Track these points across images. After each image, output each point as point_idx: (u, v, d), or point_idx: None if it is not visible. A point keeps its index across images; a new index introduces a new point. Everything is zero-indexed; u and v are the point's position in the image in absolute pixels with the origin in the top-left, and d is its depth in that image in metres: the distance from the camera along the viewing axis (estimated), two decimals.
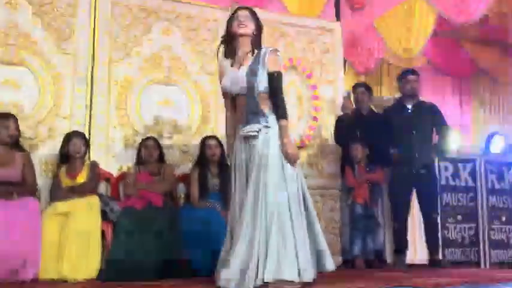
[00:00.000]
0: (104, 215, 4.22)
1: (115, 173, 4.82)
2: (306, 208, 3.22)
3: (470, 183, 5.93)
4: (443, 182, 5.74)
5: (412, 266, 5.17)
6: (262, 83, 3.21)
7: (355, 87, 5.62)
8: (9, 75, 4.60)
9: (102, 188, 4.70)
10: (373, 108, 5.68)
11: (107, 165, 4.80)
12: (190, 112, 5.23)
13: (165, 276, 3.87)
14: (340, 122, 5.49)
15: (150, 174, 4.60)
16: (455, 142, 6.77)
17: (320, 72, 5.83)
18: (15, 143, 4.22)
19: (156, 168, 4.65)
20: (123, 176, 4.76)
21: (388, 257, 5.34)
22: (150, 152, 4.65)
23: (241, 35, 3.26)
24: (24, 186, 4.12)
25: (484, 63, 8.25)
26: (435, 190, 5.18)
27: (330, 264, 3.22)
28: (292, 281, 2.93)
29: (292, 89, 5.64)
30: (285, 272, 2.93)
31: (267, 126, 3.17)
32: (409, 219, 5.12)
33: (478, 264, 5.73)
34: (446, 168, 5.84)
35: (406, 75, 5.18)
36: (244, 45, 3.28)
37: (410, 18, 5.82)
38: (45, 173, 4.59)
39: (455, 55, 8.08)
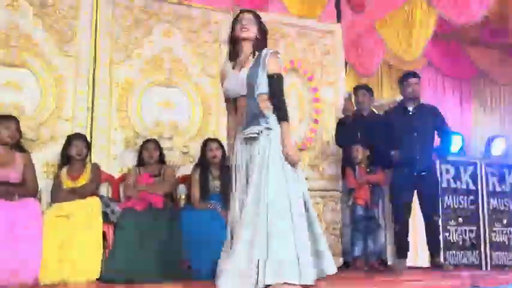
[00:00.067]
0: (105, 217, 4.22)
1: (116, 174, 4.84)
2: (307, 209, 3.22)
3: (471, 185, 5.93)
4: (444, 184, 5.74)
5: (413, 269, 5.17)
6: (262, 85, 3.20)
7: (356, 89, 5.62)
8: (11, 77, 4.61)
9: (103, 189, 4.71)
10: (374, 110, 5.68)
11: (108, 167, 4.81)
12: (191, 114, 5.24)
13: (165, 278, 3.87)
14: (341, 124, 5.49)
15: (151, 176, 4.60)
16: (456, 144, 6.77)
17: (321, 74, 5.84)
18: (16, 144, 4.22)
19: (156, 169, 4.66)
20: (124, 178, 4.77)
21: (389, 259, 5.34)
22: (150, 154, 4.66)
23: (244, 39, 3.26)
24: (25, 188, 4.12)
25: (484, 65, 8.25)
26: (436, 192, 5.17)
27: (331, 267, 3.21)
28: (293, 283, 2.93)
29: (293, 91, 5.65)
30: (286, 274, 2.91)
31: (267, 128, 3.17)
32: (410, 221, 5.11)
33: (479, 266, 5.72)
34: (447, 171, 5.85)
35: (407, 77, 5.18)
36: (246, 48, 3.28)
37: (411, 20, 5.81)
38: (46, 174, 4.60)
39: (456, 57, 8.08)
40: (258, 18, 3.32)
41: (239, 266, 2.97)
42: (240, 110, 3.28)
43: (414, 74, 5.23)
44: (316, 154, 5.68)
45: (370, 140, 5.13)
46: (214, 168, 4.69)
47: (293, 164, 3.17)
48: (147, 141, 4.76)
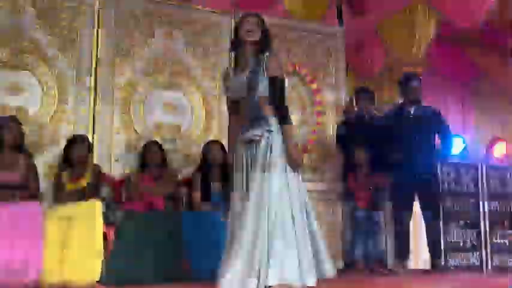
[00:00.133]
0: (106, 219, 4.22)
1: (118, 176, 4.84)
2: (306, 212, 3.22)
3: (472, 188, 5.92)
4: (445, 186, 5.73)
5: (413, 271, 5.17)
6: (263, 88, 3.21)
7: (357, 91, 5.62)
8: (13, 79, 4.63)
9: (105, 191, 4.71)
10: (375, 113, 5.68)
11: (109, 169, 4.82)
12: (193, 116, 5.25)
13: (166, 280, 3.88)
14: (342, 127, 5.50)
15: (153, 178, 4.62)
16: (457, 147, 6.77)
17: (322, 77, 5.85)
18: (19, 147, 4.23)
19: (158, 172, 4.67)
20: (125, 180, 4.78)
21: (390, 261, 5.33)
22: (152, 156, 4.67)
23: (248, 42, 3.27)
24: (27, 190, 4.13)
25: (485, 67, 8.26)
26: (437, 195, 5.16)
27: (330, 270, 3.21)
28: (295, 285, 2.93)
29: (294, 93, 5.66)
30: (288, 276, 2.93)
31: (269, 131, 3.18)
32: (411, 223, 5.11)
33: (480, 269, 5.71)
34: (448, 174, 5.83)
35: (407, 80, 5.18)
36: (249, 51, 3.29)
37: (412, 22, 5.82)
38: (48, 176, 4.61)
39: (457, 59, 8.09)
40: (262, 21, 3.32)
41: (240, 267, 2.97)
42: (242, 112, 3.30)
43: (415, 76, 5.24)
44: (318, 156, 5.69)
45: (371, 142, 5.13)
46: (216, 171, 4.70)
47: (296, 167, 3.18)
48: (149, 143, 4.76)
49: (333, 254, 5.32)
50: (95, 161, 4.70)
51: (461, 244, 5.61)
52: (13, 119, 4.25)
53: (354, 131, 5.30)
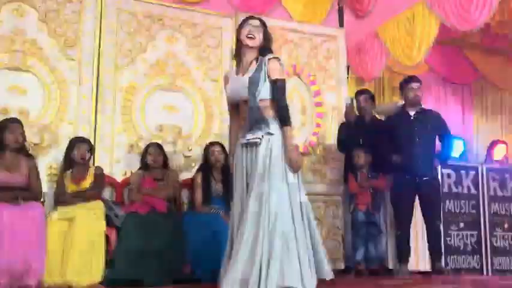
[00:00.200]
0: (108, 220, 4.24)
1: (119, 178, 4.86)
2: (305, 214, 3.22)
3: (473, 190, 5.94)
4: (445, 189, 5.74)
5: (414, 273, 5.18)
6: (264, 90, 3.21)
7: (358, 94, 5.63)
8: (16, 81, 4.65)
9: (107, 193, 4.72)
10: (376, 115, 5.70)
11: (111, 170, 4.84)
12: (194, 118, 5.27)
13: (167, 281, 3.89)
14: (343, 129, 5.51)
15: (154, 180, 4.62)
16: (458, 149, 6.78)
17: (323, 79, 5.87)
18: (21, 149, 4.23)
19: (160, 173, 4.68)
20: (127, 182, 4.79)
21: (391, 263, 5.34)
22: (154, 158, 4.68)
23: (249, 45, 3.29)
24: (29, 191, 4.13)
25: (486, 70, 8.26)
26: (438, 197, 5.17)
27: (328, 273, 3.19)
28: None
29: (295, 95, 5.68)
30: (288, 280, 2.92)
31: (269, 133, 3.18)
32: (412, 226, 5.12)
33: (480, 271, 5.73)
34: (448, 176, 5.85)
35: (408, 82, 5.18)
36: (250, 54, 3.30)
37: (413, 25, 5.82)
38: (50, 178, 4.63)
39: (457, 63, 8.09)
40: (263, 24, 3.33)
41: (241, 270, 2.97)
42: (242, 114, 3.30)
43: (415, 79, 5.24)
44: (318, 158, 5.70)
45: (372, 144, 5.14)
46: (217, 172, 4.71)
47: (295, 169, 3.19)
48: (151, 145, 4.77)
49: (333, 256, 5.38)
50: (97, 163, 4.72)
51: (461, 247, 5.63)
52: (15, 120, 4.25)
53: (355, 134, 5.31)
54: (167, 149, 4.92)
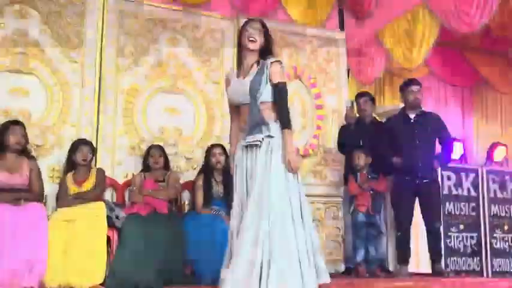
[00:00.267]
0: (109, 222, 4.25)
1: (121, 180, 4.87)
2: (303, 217, 3.23)
3: (473, 192, 5.95)
4: (445, 191, 5.76)
5: (414, 275, 5.18)
6: (265, 93, 3.23)
7: (358, 96, 5.64)
8: (18, 83, 4.67)
9: (108, 194, 4.75)
10: (376, 117, 5.71)
11: (113, 172, 4.86)
12: (196, 120, 5.29)
13: (169, 283, 3.90)
14: (343, 131, 5.52)
15: (156, 181, 4.64)
16: (457, 152, 6.79)
17: (324, 82, 5.89)
18: (23, 150, 4.25)
19: (161, 175, 4.70)
20: (129, 183, 4.81)
21: (391, 265, 5.35)
22: (155, 160, 4.70)
23: (250, 48, 3.31)
24: (31, 193, 4.15)
25: (486, 73, 8.28)
26: (438, 199, 5.18)
27: (325, 276, 3.19)
28: None
29: (296, 98, 5.70)
30: (289, 282, 2.94)
31: (270, 136, 3.20)
32: (412, 228, 5.13)
33: (480, 273, 5.74)
34: (449, 178, 5.87)
35: (408, 85, 5.19)
36: (251, 57, 3.31)
37: (413, 28, 5.84)
38: (52, 179, 4.65)
39: (458, 65, 8.10)
40: (264, 27, 3.34)
41: (242, 271, 2.98)
42: (243, 117, 3.31)
43: (416, 82, 5.25)
44: (319, 160, 5.72)
45: (372, 146, 5.15)
46: (218, 174, 4.73)
47: (294, 171, 3.20)
48: (152, 147, 4.79)
49: (334, 257, 5.40)
50: (99, 165, 4.74)
51: (461, 249, 5.64)
52: (17, 122, 4.27)
53: (355, 136, 5.33)
54: (168, 151, 4.94)
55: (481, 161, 7.69)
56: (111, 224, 4.25)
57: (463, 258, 5.69)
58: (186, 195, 5.00)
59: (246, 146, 3.24)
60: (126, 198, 4.78)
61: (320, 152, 5.74)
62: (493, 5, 4.88)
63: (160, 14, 5.27)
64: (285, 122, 3.22)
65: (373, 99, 5.60)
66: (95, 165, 4.68)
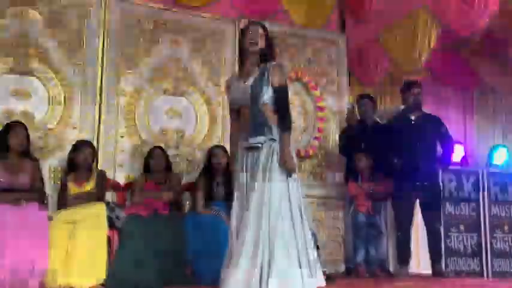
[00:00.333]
0: (110, 222, 4.26)
1: (122, 181, 4.89)
2: (302, 219, 3.24)
3: (474, 194, 5.94)
4: (446, 193, 5.75)
5: (414, 276, 5.19)
6: (266, 96, 3.24)
7: (359, 98, 5.66)
8: (20, 85, 4.68)
9: (109, 196, 4.74)
10: (377, 119, 5.73)
11: (114, 174, 4.87)
12: (197, 122, 5.30)
13: (169, 283, 3.91)
14: (344, 133, 5.54)
15: (157, 183, 4.65)
16: (458, 154, 6.79)
17: (325, 84, 5.90)
18: (25, 152, 4.27)
19: (162, 177, 4.71)
20: (130, 185, 4.82)
21: (391, 266, 5.35)
22: (157, 162, 4.72)
23: (251, 52, 3.32)
24: (33, 194, 4.16)
25: (487, 75, 8.28)
26: (438, 201, 5.18)
27: (320, 279, 3.18)
28: None
29: (297, 100, 5.71)
30: (290, 282, 2.95)
31: (271, 139, 3.21)
32: (412, 228, 5.14)
33: (480, 274, 5.73)
34: (449, 180, 5.86)
35: (409, 87, 5.21)
36: (252, 60, 3.33)
37: (414, 30, 5.85)
38: (53, 180, 4.66)
39: (458, 67, 8.10)
40: (265, 30, 3.37)
41: (242, 271, 2.99)
42: (244, 119, 3.33)
43: (416, 83, 5.26)
44: (320, 162, 5.73)
45: (373, 148, 5.16)
46: (219, 175, 4.74)
47: (290, 171, 3.20)
48: (154, 148, 4.81)
49: (334, 258, 5.41)
50: (100, 167, 4.75)
51: (461, 249, 5.64)
52: (19, 123, 4.30)
53: (356, 138, 5.34)
54: (170, 153, 4.96)
55: (482, 163, 7.68)
56: (111, 225, 4.26)
57: (463, 259, 5.68)
58: (187, 197, 5.00)
59: (247, 149, 3.26)
60: (128, 200, 4.78)
61: (321, 153, 5.74)
62: (493, 5, 4.89)
63: (161, 16, 5.28)
64: (284, 125, 3.24)
65: (374, 101, 5.62)
66: (96, 167, 4.69)
